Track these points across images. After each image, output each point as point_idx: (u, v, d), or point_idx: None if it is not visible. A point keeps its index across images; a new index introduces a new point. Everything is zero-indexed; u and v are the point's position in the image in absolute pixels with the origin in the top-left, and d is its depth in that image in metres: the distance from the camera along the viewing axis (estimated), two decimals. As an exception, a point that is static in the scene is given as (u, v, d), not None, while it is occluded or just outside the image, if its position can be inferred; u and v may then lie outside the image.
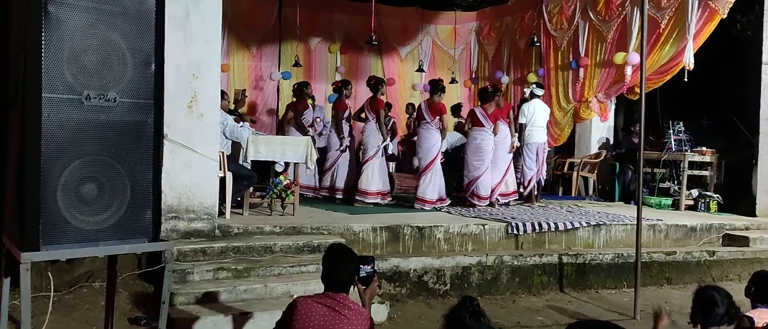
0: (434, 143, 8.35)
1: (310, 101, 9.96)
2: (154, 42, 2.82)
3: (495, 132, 8.57)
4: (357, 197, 8.42)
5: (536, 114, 9.27)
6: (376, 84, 8.65)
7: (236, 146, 7.34)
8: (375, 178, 8.50)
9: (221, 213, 6.41)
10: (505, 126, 8.78)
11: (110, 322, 3.58)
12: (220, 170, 6.40)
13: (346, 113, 9.01)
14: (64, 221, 2.89)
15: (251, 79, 12.57)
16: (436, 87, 8.45)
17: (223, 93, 7.06)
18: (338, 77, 12.52)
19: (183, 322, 4.59)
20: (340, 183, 8.98)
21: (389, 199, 8.85)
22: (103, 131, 2.79)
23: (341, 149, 8.95)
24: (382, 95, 8.80)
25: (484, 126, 8.50)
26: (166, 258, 3.20)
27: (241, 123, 7.62)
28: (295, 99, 9.67)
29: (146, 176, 2.92)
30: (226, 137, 7.13)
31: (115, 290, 3.74)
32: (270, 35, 12.64)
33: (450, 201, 8.59)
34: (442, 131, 8.42)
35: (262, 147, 7.35)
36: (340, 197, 8.90)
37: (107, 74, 2.77)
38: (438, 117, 8.32)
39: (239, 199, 7.07)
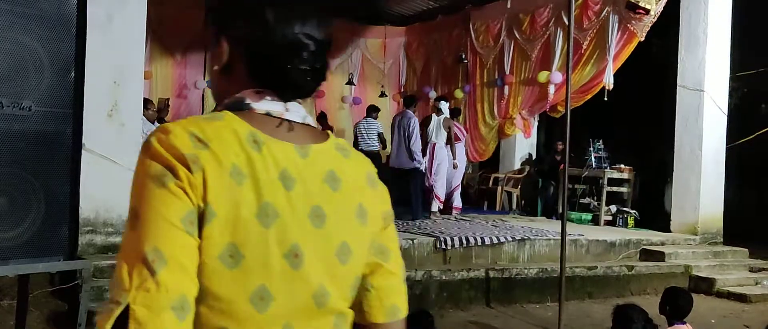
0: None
1: None
2: (74, 48, 2.64)
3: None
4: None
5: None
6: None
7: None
8: None
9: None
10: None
11: (19, 345, 3.33)
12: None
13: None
14: (-31, 238, 2.67)
15: (174, 88, 12.19)
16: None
17: (147, 102, 6.81)
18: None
19: (100, 343, 4.35)
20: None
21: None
22: (17, 141, 2.59)
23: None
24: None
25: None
26: (83, 276, 3.02)
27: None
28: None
29: (63, 191, 2.73)
30: (149, 148, 6.82)
31: (27, 310, 3.49)
32: (195, 42, 12.28)
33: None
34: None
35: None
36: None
37: (22, 81, 2.58)
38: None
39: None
